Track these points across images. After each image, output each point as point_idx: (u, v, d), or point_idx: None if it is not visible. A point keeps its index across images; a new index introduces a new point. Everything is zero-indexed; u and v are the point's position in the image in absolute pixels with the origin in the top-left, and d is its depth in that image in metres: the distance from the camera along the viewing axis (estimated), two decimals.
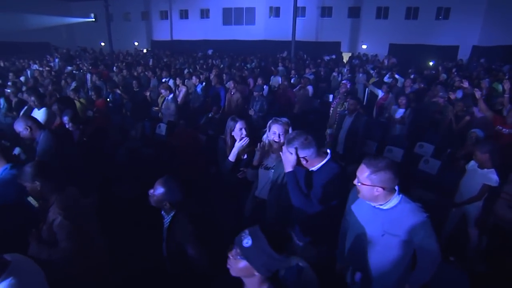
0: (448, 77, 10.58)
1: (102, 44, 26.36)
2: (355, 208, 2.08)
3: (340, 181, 2.12)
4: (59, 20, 27.35)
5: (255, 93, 6.21)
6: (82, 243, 2.15)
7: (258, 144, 2.68)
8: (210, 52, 23.08)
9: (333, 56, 19.86)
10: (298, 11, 23.97)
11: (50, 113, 4.73)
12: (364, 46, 22.79)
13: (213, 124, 5.98)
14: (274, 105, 7.52)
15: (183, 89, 7.41)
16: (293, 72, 10.10)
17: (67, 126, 4.08)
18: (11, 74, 8.76)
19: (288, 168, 2.15)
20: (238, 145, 2.91)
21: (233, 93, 6.55)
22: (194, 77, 7.39)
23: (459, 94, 7.14)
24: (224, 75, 8.57)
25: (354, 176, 1.93)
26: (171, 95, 5.85)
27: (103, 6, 23.08)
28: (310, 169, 2.23)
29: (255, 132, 6.22)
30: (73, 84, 8.16)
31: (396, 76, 8.98)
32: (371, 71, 11.29)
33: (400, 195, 1.87)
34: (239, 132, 2.98)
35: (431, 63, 16.32)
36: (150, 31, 29.07)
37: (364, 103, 9.37)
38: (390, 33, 21.61)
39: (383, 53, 20.14)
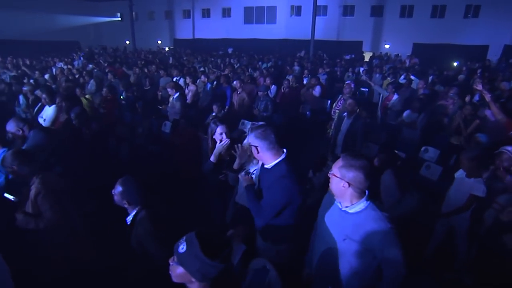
0: (470, 78, 10.13)
1: (127, 42, 27.13)
2: (325, 212, 2.06)
3: (284, 182, 2.14)
4: (88, 19, 28.52)
5: (260, 93, 6.21)
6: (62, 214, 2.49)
7: (236, 146, 2.70)
8: (230, 50, 23.26)
9: (353, 56, 19.50)
10: (319, 10, 23.69)
11: (59, 110, 4.95)
12: (386, 46, 22.21)
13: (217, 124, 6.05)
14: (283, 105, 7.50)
15: (192, 88, 7.54)
16: (306, 71, 9.99)
17: (74, 123, 4.26)
18: (36, 72, 9.20)
19: (245, 184, 2.41)
20: (218, 146, 2.95)
21: (239, 93, 6.59)
22: (203, 76, 7.50)
23: (477, 97, 6.84)
24: (231, 74, 8.67)
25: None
26: (177, 94, 5.97)
27: (128, 6, 23.87)
28: (265, 167, 2.28)
29: None
30: (91, 82, 8.49)
31: (412, 77, 8.69)
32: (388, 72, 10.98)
33: (368, 202, 1.82)
34: (219, 136, 3.02)
35: (455, 64, 15.64)
36: (173, 29, 29.66)
37: (379, 104, 9.14)
38: (414, 32, 20.93)
39: (407, 53, 19.56)
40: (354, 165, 1.74)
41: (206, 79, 7.36)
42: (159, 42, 29.37)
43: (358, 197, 1.81)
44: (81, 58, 14.73)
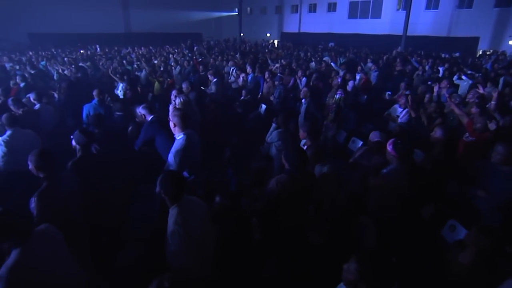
0: None
1: (242, 34, 30.45)
2: None
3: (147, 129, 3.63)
4: (210, 14, 33.26)
5: (276, 82, 7.38)
6: None
7: None
8: (331, 45, 23.83)
9: (457, 54, 17.61)
10: (431, 3, 21.93)
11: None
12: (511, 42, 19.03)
13: (242, 105, 7.56)
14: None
15: (242, 76, 9.19)
16: (359, 68, 10.34)
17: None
18: (143, 59, 12.30)
19: None
20: None
21: (267, 82, 7.87)
22: (248, 67, 8.99)
23: None
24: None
25: None
26: (215, 79, 7.69)
27: (246, 2, 26.90)
28: None
29: (272, 116, 7.48)
30: (178, 68, 10.97)
31: (463, 77, 8.24)
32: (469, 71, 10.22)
33: (184, 135, 3.17)
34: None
35: None
36: (281, 23, 31.65)
37: None
38: None
39: None
40: (175, 113, 3.12)
41: (251, 69, 8.85)
42: (268, 35, 31.91)
43: (179, 131, 3.19)
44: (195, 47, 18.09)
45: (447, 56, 16.93)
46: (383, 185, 2.99)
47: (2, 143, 3.85)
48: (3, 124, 3.99)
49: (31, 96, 5.34)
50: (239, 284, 2.46)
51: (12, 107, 4.81)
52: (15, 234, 1.80)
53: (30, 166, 2.50)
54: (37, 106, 5.22)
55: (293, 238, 2.88)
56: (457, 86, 8.38)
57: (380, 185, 3.02)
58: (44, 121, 5.12)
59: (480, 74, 9.67)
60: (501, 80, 8.98)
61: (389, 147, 2.97)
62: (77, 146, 3.11)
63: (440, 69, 11.49)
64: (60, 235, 2.06)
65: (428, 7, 22.00)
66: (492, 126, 3.63)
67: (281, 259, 2.75)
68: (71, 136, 3.12)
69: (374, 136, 3.62)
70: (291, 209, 2.71)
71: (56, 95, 6.76)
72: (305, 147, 3.35)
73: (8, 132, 3.95)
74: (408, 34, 20.34)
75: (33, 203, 2.36)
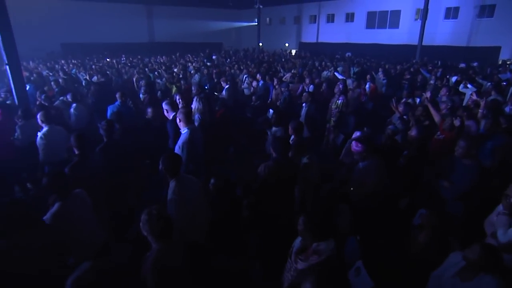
0: None
1: (260, 44, 31.25)
2: None
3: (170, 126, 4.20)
4: (230, 24, 34.41)
5: (282, 89, 7.90)
6: None
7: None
8: (348, 55, 24.16)
9: (474, 64, 17.52)
10: (450, 12, 21.92)
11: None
12: None
13: (252, 109, 8.11)
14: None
15: (254, 84, 9.76)
16: (368, 77, 10.68)
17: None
18: (163, 67, 13.19)
19: None
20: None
21: (276, 89, 8.40)
22: (258, 75, 9.56)
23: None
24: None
25: None
26: (227, 86, 8.30)
27: (265, 12, 27.69)
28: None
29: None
30: (196, 76, 11.71)
31: (469, 85, 8.44)
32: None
33: (188, 130, 3.73)
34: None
35: None
36: (300, 33, 32.27)
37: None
38: None
39: None
40: (181, 111, 3.69)
41: (260, 77, 9.43)
42: (286, 44, 32.58)
43: (184, 126, 3.76)
44: (214, 56, 18.99)
45: (464, 66, 16.90)
46: (357, 178, 3.43)
47: (43, 136, 4.56)
48: (41, 121, 4.70)
49: (68, 97, 6.20)
50: (227, 250, 2.95)
51: (42, 102, 5.94)
52: (61, 190, 2.55)
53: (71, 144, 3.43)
54: (73, 105, 6.05)
55: (279, 219, 3.36)
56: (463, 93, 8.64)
57: (355, 178, 3.46)
58: (77, 119, 5.95)
59: (491, 83, 9.82)
60: (510, 89, 9.15)
61: (358, 145, 3.39)
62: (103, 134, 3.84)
63: (453, 79, 11.67)
64: (89, 200, 2.68)
65: (447, 17, 22.01)
66: (456, 122, 4.01)
67: (265, 233, 3.23)
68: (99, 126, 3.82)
69: (355, 135, 4.06)
70: (278, 194, 3.20)
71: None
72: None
73: (46, 128, 4.65)
74: (426, 44, 20.43)
75: None
